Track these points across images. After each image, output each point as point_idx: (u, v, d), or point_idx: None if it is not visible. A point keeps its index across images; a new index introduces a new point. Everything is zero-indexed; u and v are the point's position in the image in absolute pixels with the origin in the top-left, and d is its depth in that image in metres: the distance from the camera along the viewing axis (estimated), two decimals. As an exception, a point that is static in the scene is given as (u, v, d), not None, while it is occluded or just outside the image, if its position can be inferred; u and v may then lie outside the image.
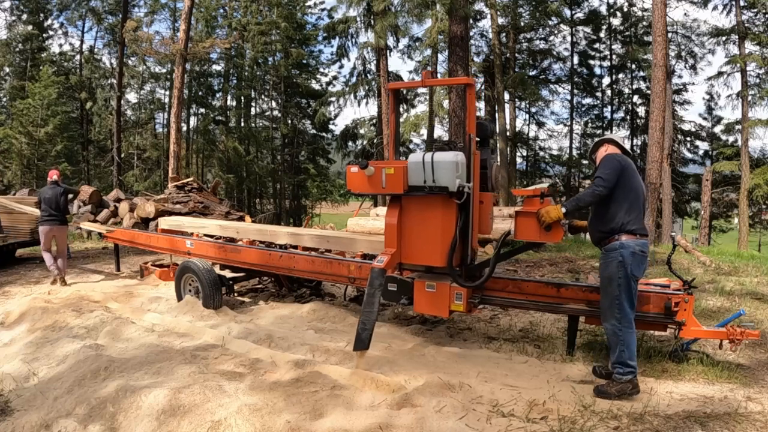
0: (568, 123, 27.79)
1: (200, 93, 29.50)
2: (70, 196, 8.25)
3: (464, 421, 2.98)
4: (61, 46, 38.54)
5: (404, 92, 26.13)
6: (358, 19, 22.86)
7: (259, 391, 3.30)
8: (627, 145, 3.83)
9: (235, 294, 6.41)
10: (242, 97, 30.57)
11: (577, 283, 4.76)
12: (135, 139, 28.20)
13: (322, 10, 30.89)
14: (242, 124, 30.36)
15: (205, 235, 6.75)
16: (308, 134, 31.08)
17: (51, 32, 28.63)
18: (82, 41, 29.17)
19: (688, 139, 27.08)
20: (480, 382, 3.54)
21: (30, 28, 26.48)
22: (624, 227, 3.45)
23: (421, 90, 26.27)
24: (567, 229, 3.89)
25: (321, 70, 31.34)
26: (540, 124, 28.52)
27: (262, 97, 31.00)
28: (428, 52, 23.74)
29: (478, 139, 4.09)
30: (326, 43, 31.49)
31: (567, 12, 25.39)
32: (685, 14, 35.01)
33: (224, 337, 4.45)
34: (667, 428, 2.99)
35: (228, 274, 6.13)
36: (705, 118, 26.75)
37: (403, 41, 24.21)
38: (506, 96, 24.79)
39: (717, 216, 24.99)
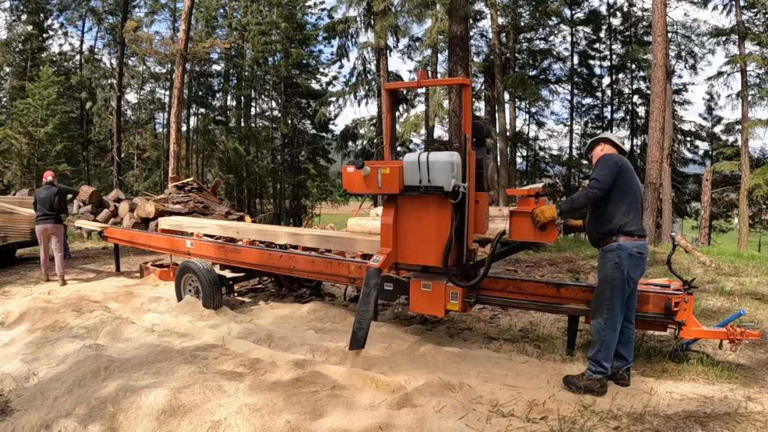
0: (568, 123, 27.80)
1: (200, 93, 29.50)
2: (69, 196, 8.29)
3: (464, 421, 2.98)
4: (61, 46, 38.54)
5: (404, 92, 26.10)
6: (358, 19, 22.86)
7: (259, 391, 3.30)
8: (624, 144, 3.83)
9: (235, 294, 6.41)
10: (242, 97, 30.57)
11: (577, 283, 4.76)
12: (135, 139, 28.20)
13: (322, 10, 30.92)
14: (242, 124, 30.36)
15: (205, 235, 6.75)
16: (308, 134, 31.08)
17: (51, 32, 28.65)
18: (82, 41, 29.21)
19: (688, 139, 27.09)
20: (480, 382, 3.54)
21: (30, 28, 26.47)
22: (621, 229, 3.45)
23: (421, 90, 26.28)
24: (562, 229, 3.90)
25: (321, 70, 31.38)
26: (540, 124, 28.54)
27: (262, 97, 31.01)
28: (428, 52, 23.75)
29: (474, 139, 4.11)
30: (326, 43, 31.57)
31: (567, 12, 25.39)
32: (685, 14, 35.04)
33: (224, 337, 4.45)
34: (667, 428, 2.99)
35: (228, 274, 6.13)
36: (705, 118, 26.77)
37: (403, 41, 24.22)
38: (506, 96, 24.79)
39: (717, 216, 24.98)
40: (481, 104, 24.83)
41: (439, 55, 22.95)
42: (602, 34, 26.78)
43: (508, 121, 25.03)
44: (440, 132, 23.30)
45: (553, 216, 3.58)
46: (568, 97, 27.58)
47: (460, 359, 4.05)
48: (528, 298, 4.28)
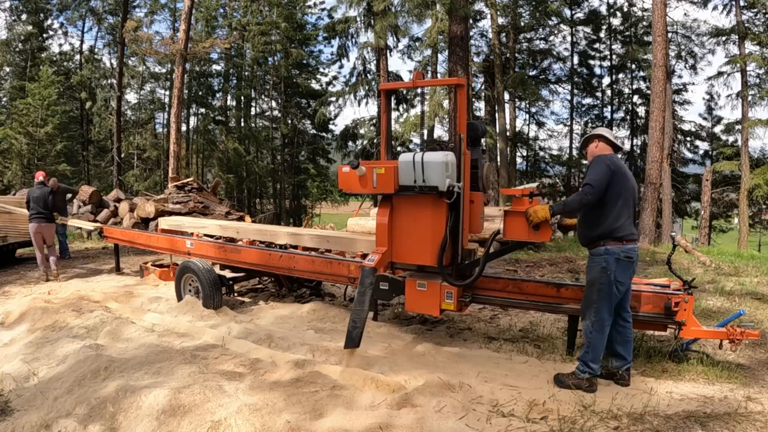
0: (568, 123, 27.79)
1: (200, 93, 29.50)
2: (69, 195, 8.35)
3: (464, 421, 2.98)
4: (60, 45, 38.58)
5: (404, 92, 26.12)
6: (358, 19, 22.85)
7: (259, 391, 3.30)
8: (618, 140, 3.84)
9: (235, 294, 6.41)
10: (242, 97, 30.57)
11: (577, 283, 4.76)
12: (135, 139, 28.20)
13: (322, 10, 30.89)
14: (242, 124, 30.36)
15: (205, 235, 6.75)
16: (308, 134, 31.07)
17: (51, 32, 28.65)
18: (82, 41, 29.21)
19: (688, 139, 27.09)
20: (480, 382, 3.54)
21: (30, 27, 26.47)
22: (610, 234, 3.47)
23: (420, 90, 26.26)
24: (557, 228, 3.94)
25: (321, 70, 31.35)
26: (540, 124, 28.53)
27: (262, 97, 31.01)
28: (428, 52, 23.74)
29: (469, 138, 4.12)
30: (326, 43, 31.51)
31: (567, 12, 25.39)
32: (685, 14, 35.07)
33: (224, 337, 4.45)
34: (667, 428, 2.99)
35: (228, 274, 6.13)
36: (705, 118, 26.77)
37: (403, 41, 24.20)
38: (506, 96, 24.78)
39: (717, 216, 24.98)
40: (482, 104, 24.84)
41: (439, 55, 22.94)
42: (602, 34, 26.78)
43: (508, 121, 25.02)
44: (440, 132, 23.30)
45: (546, 216, 3.59)
46: (568, 97, 27.60)
47: (460, 359, 4.05)
48: (528, 298, 4.29)
